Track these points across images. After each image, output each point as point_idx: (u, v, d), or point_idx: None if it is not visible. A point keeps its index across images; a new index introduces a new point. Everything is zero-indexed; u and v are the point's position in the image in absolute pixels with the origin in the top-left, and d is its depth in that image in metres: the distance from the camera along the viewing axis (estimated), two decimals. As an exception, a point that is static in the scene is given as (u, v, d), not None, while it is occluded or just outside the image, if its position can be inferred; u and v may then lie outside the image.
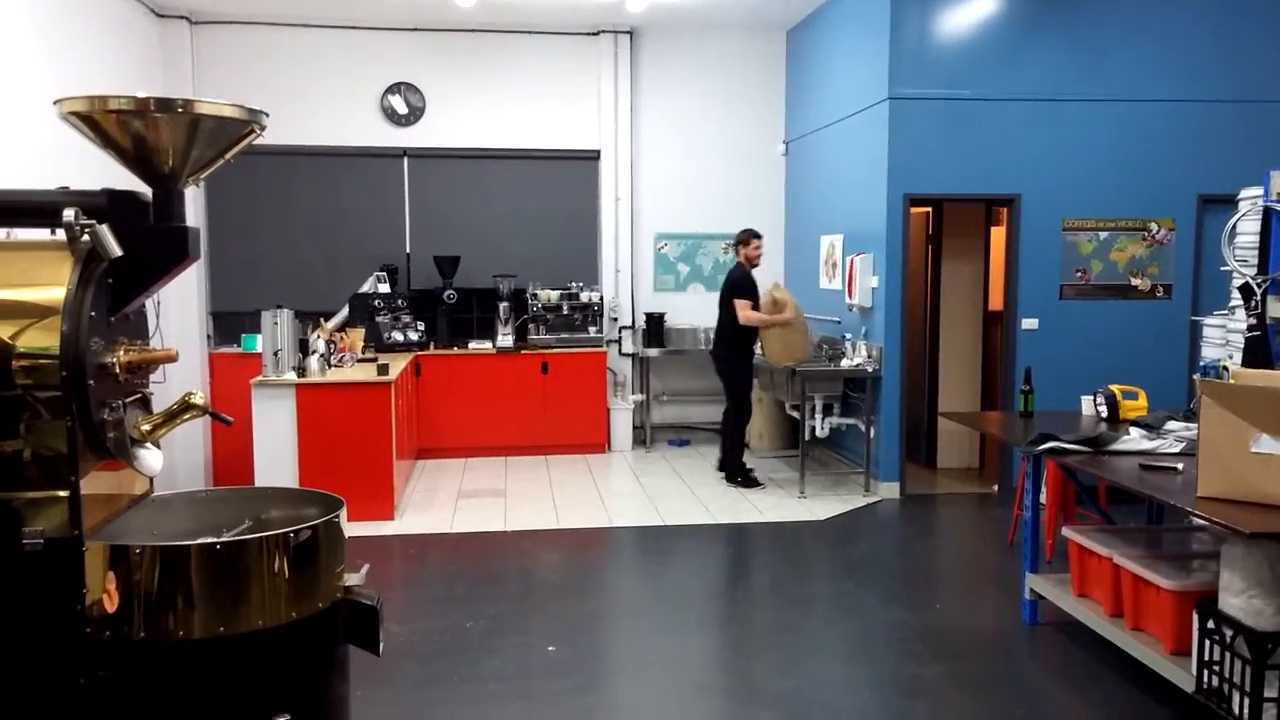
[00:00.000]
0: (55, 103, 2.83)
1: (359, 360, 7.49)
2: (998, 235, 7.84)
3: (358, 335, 7.89)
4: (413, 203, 9.17)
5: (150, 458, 3.20)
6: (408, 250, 9.17)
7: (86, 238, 2.81)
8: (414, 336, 8.62)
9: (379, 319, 8.42)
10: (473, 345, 8.95)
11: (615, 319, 9.38)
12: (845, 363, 7.51)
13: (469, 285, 9.01)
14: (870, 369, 7.31)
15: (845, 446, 8.19)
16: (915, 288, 7.98)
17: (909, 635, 4.67)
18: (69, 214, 2.78)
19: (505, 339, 8.88)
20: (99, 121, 2.86)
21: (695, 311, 9.36)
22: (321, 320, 7.66)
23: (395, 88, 9.01)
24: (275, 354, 6.65)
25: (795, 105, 9.31)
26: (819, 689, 4.13)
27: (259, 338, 7.65)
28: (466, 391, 8.73)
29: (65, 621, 2.90)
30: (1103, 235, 7.24)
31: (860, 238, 7.65)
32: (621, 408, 9.21)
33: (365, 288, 8.58)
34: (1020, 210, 7.20)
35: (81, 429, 2.89)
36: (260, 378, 6.60)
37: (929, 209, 8.20)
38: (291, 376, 6.62)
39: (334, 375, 6.81)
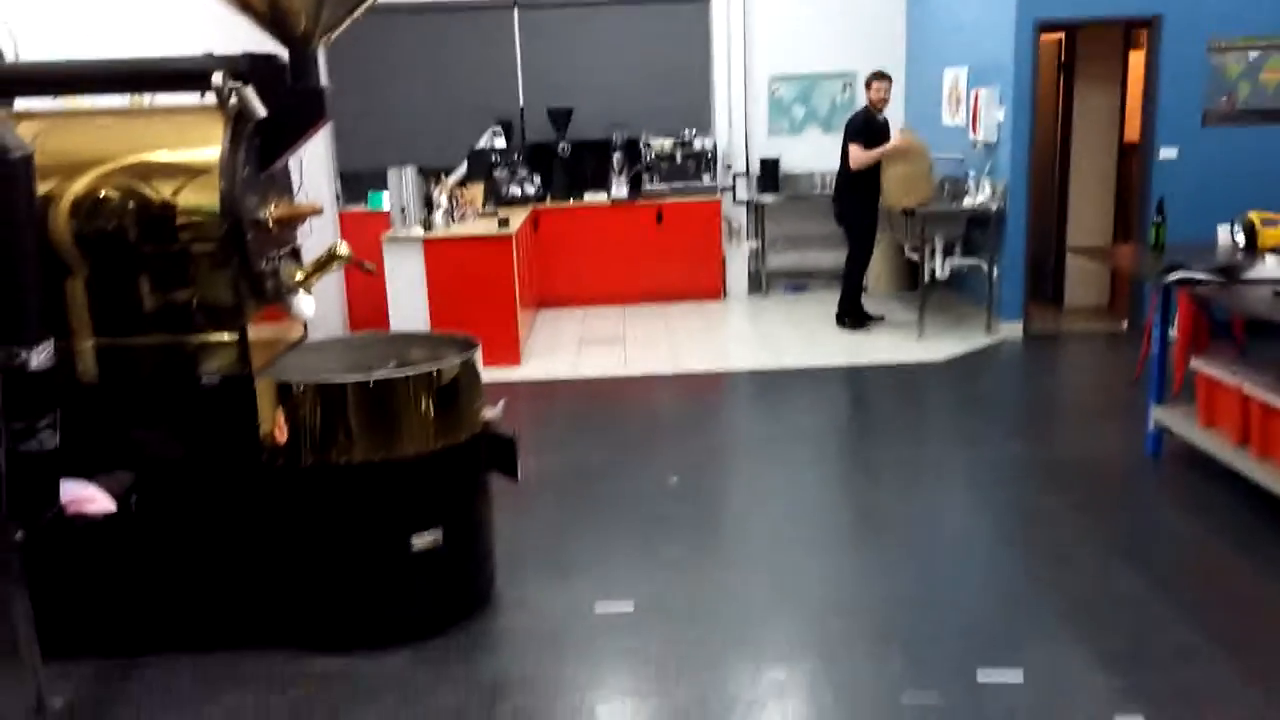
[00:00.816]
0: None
1: (480, 215, 7.69)
2: (1136, 61, 7.42)
3: (477, 190, 8.06)
4: (525, 56, 9.16)
5: (305, 303, 3.46)
6: (521, 104, 9.22)
7: (235, 99, 2.98)
8: (530, 190, 8.77)
9: (496, 174, 8.57)
10: (588, 197, 9.05)
11: (729, 166, 9.31)
12: (968, 201, 7.34)
13: (582, 138, 9.05)
14: (994, 207, 7.14)
15: (966, 288, 8.08)
16: (1044, 120, 7.66)
17: (1028, 467, 4.75)
18: (218, 77, 2.96)
19: (620, 190, 8.95)
20: (237, -16, 2.99)
21: (811, 155, 9.21)
22: (442, 176, 7.86)
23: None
24: (402, 210, 6.90)
25: (916, -70, 8.82)
26: (935, 514, 4.28)
27: (384, 195, 7.93)
28: (583, 243, 8.89)
29: (243, 450, 3.24)
30: (1252, 56, 6.76)
31: (985, 69, 7.35)
32: (737, 255, 9.25)
33: (481, 143, 8.71)
34: (1162, 31, 6.77)
35: (244, 277, 3.15)
36: (390, 233, 6.88)
37: (1061, 35, 7.77)
38: (419, 231, 6.88)
39: (457, 229, 7.04)
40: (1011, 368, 6.66)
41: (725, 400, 6.45)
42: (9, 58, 3.36)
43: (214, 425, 3.23)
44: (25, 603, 2.94)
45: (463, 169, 8.39)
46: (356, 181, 9.01)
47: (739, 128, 9.32)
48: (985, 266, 7.30)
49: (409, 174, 6.95)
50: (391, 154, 8.13)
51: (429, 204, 7.06)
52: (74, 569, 3.26)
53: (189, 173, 3.11)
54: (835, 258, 8.09)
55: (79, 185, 3.08)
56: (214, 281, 3.17)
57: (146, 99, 3.72)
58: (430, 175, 7.58)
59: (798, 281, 9.52)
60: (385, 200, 7.83)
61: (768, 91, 9.35)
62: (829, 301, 8.24)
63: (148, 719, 3.00)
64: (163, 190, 3.11)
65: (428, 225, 6.95)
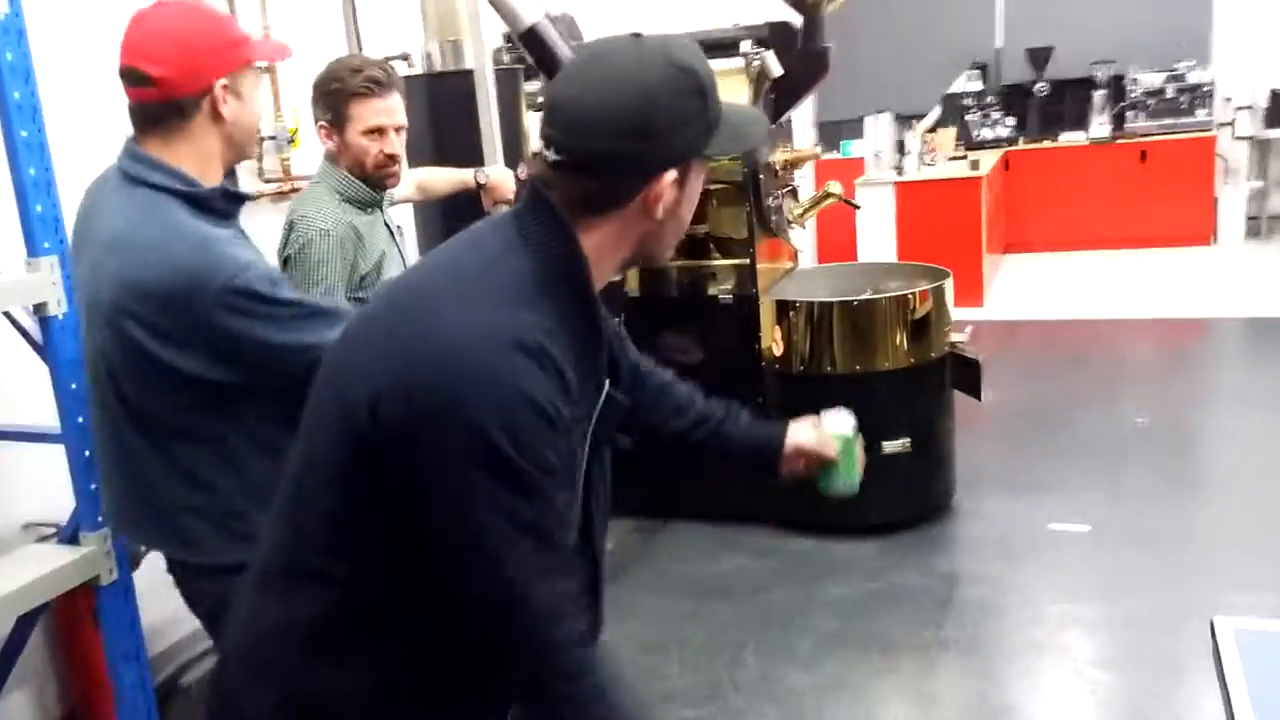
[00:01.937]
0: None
1: (951, 158, 7.89)
2: None
3: (948, 135, 8.25)
4: (1004, -5, 9.09)
5: (805, 237, 4.06)
6: (998, 45, 9.17)
7: (757, 62, 3.61)
8: (1003, 132, 8.75)
9: (969, 117, 8.68)
10: (1064, 137, 8.82)
11: (1230, 99, 8.55)
12: None
13: (1062, 76, 8.81)
14: None
15: None
16: None
17: None
18: (746, 45, 3.60)
19: (1100, 128, 8.61)
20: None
21: (1336, 83, 8.18)
22: (914, 122, 8.15)
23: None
24: (876, 155, 7.35)
25: None
26: None
27: (854, 144, 8.40)
28: (1057, 185, 8.70)
29: (747, 357, 3.93)
30: None
31: None
32: (1233, 196, 8.52)
33: (955, 87, 8.84)
34: None
35: (755, 212, 3.81)
36: (864, 177, 7.36)
37: None
38: (891, 174, 7.28)
39: (928, 173, 7.34)
40: None
41: (1208, 348, 6.17)
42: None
43: (725, 336, 3.96)
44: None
45: (935, 113, 8.61)
46: (833, 129, 9.57)
47: (1246, 58, 8.49)
48: None
49: (884, 120, 7.37)
50: (867, 102, 8.54)
51: (901, 149, 7.43)
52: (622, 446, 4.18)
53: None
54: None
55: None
56: (730, 217, 3.87)
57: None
58: (904, 121, 7.92)
59: (1307, 226, 8.56)
60: (854, 149, 8.30)
61: (1284, 14, 8.40)
62: (1346, 247, 7.40)
63: (672, 565, 3.82)
64: (695, 142, 3.85)
65: (899, 169, 7.32)
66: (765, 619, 3.35)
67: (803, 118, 9.16)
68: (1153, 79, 8.44)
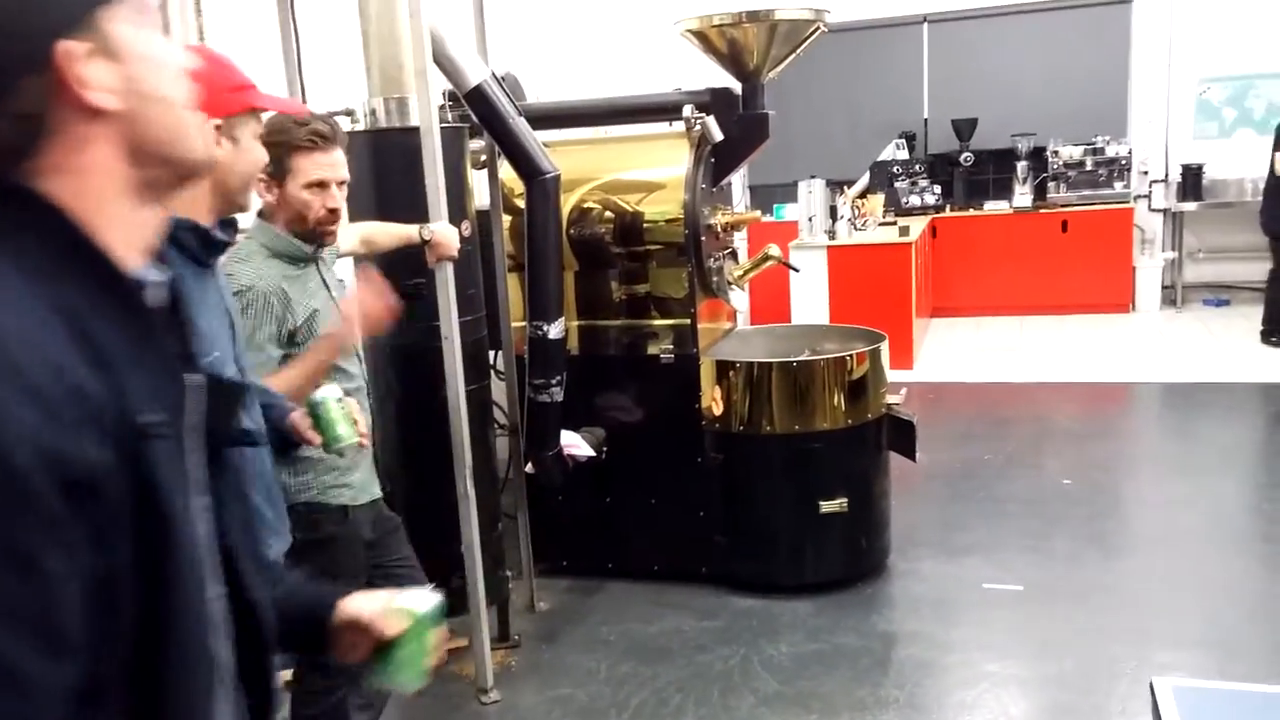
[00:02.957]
0: (675, 23, 3.69)
1: (880, 224, 8.09)
2: None
3: (877, 201, 8.47)
4: (931, 68, 9.42)
5: (740, 298, 4.11)
6: (925, 115, 9.49)
7: (699, 127, 3.68)
8: (930, 200, 9.02)
9: (897, 184, 8.94)
10: (988, 206, 9.11)
11: (1145, 172, 8.94)
12: None
13: (986, 146, 9.13)
14: None
15: None
16: None
17: None
18: (688, 109, 3.67)
19: (1022, 198, 8.92)
20: (706, 33, 3.69)
21: (1242, 161, 8.60)
22: (844, 188, 8.36)
23: (915, -48, 9.25)
24: (809, 219, 7.50)
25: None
26: (1358, 538, 4.10)
27: (787, 207, 8.58)
28: (981, 252, 8.96)
29: (687, 416, 3.94)
30: None
31: None
32: (1149, 266, 8.87)
33: (884, 155, 9.11)
34: None
35: (696, 273, 3.85)
36: (797, 240, 7.50)
37: None
38: (823, 239, 7.43)
39: (859, 238, 7.51)
40: None
41: (1128, 411, 6.36)
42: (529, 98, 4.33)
43: (665, 395, 3.97)
44: (526, 526, 3.85)
45: (865, 180, 8.84)
46: (766, 193, 9.77)
47: (1158, 133, 8.92)
48: None
49: (817, 185, 7.53)
50: (799, 168, 8.76)
51: (833, 214, 7.60)
52: (560, 503, 4.15)
53: (657, 188, 3.87)
54: (1264, 270, 7.55)
55: (573, 199, 3.95)
56: (672, 277, 3.91)
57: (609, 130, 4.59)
58: (834, 187, 8.11)
59: (1219, 295, 8.93)
60: (787, 212, 8.48)
61: (1195, 93, 8.86)
62: (1254, 317, 7.70)
63: (609, 626, 3.77)
64: (636, 202, 3.90)
65: (831, 234, 7.48)
66: (705, 680, 3.32)
67: (735, 180, 9.33)
68: (1072, 151, 8.80)
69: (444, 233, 2.76)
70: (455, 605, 3.15)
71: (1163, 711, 1.53)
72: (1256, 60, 8.61)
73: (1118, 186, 8.71)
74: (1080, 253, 8.72)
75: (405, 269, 2.86)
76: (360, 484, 2.44)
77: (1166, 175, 8.88)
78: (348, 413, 2.06)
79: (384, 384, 2.97)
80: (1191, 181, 8.65)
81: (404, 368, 3.12)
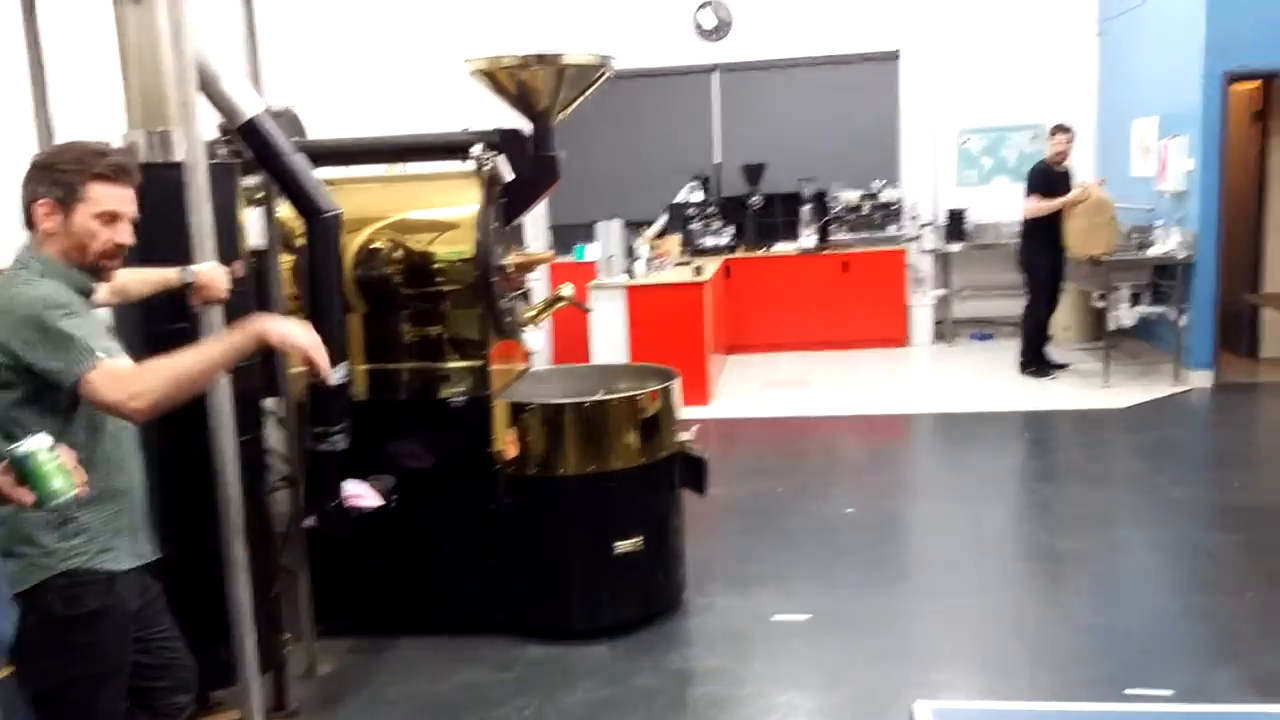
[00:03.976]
0: (464, 62, 3.65)
1: (676, 264, 8.29)
2: (1339, 109, 7.28)
3: (674, 241, 8.68)
4: (723, 115, 9.79)
5: (533, 338, 4.09)
6: (717, 160, 9.84)
7: (488, 167, 3.65)
8: (724, 241, 9.33)
9: (692, 225, 9.20)
10: (777, 247, 9.52)
11: (915, 216, 9.59)
12: (1154, 250, 7.37)
13: (774, 190, 9.55)
14: (1182, 255, 7.15)
15: (1155, 336, 8.03)
16: (1238, 169, 7.59)
17: (1201, 509, 4.86)
18: (477, 149, 3.63)
19: (808, 240, 9.37)
20: (495, 75, 3.67)
21: (999, 205, 9.36)
22: (642, 229, 8.53)
23: (705, 4, 9.59)
24: (608, 259, 7.59)
25: (1108, -15, 8.93)
26: (1104, 549, 4.47)
27: (588, 247, 8.66)
28: (772, 291, 9.33)
29: (480, 460, 3.87)
30: None
31: (1174, 120, 7.40)
32: (922, 303, 9.49)
33: (680, 197, 9.37)
34: (1363, 81, 6.67)
35: (488, 315, 3.80)
36: (596, 280, 7.57)
37: (1258, 84, 7.71)
38: (622, 279, 7.54)
39: (656, 277, 7.67)
40: (1195, 415, 6.65)
41: (905, 441, 6.74)
42: (311, 134, 4.18)
43: (458, 439, 3.88)
44: (307, 584, 3.66)
45: (662, 221, 9.04)
46: (567, 233, 9.82)
47: (926, 179, 9.60)
48: (1173, 315, 7.29)
49: (615, 226, 7.64)
50: (598, 208, 8.86)
51: (631, 254, 7.72)
52: (344, 557, 3.96)
53: (448, 228, 3.81)
54: (1021, 306, 8.21)
55: (360, 239, 3.82)
56: (464, 318, 3.85)
57: (399, 168, 4.50)
58: (632, 228, 8.25)
59: (983, 330, 9.64)
60: (588, 252, 8.56)
61: (956, 143, 9.60)
62: (1014, 350, 8.36)
63: (396, 686, 3.62)
64: (426, 243, 3.81)
65: (629, 273, 7.60)
66: (499, 733, 3.23)
67: (537, 220, 9.36)
68: (851, 196, 9.33)
69: (209, 274, 2.59)
70: (225, 675, 2.94)
71: (926, 736, 1.59)
72: (1008, 114, 9.43)
73: (891, 229, 9.30)
74: (861, 291, 9.24)
75: (168, 311, 2.68)
76: (126, 546, 2.25)
77: (935, 219, 9.55)
78: (61, 464, 1.86)
79: (143, 434, 2.74)
80: (956, 225, 9.34)
81: (166, 416, 2.89)
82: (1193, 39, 6.99)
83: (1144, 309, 7.52)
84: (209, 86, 2.84)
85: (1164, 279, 7.46)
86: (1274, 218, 7.72)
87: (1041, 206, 7.47)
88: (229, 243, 2.90)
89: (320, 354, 2.32)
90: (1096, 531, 4.68)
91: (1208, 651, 3.51)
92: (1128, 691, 3.27)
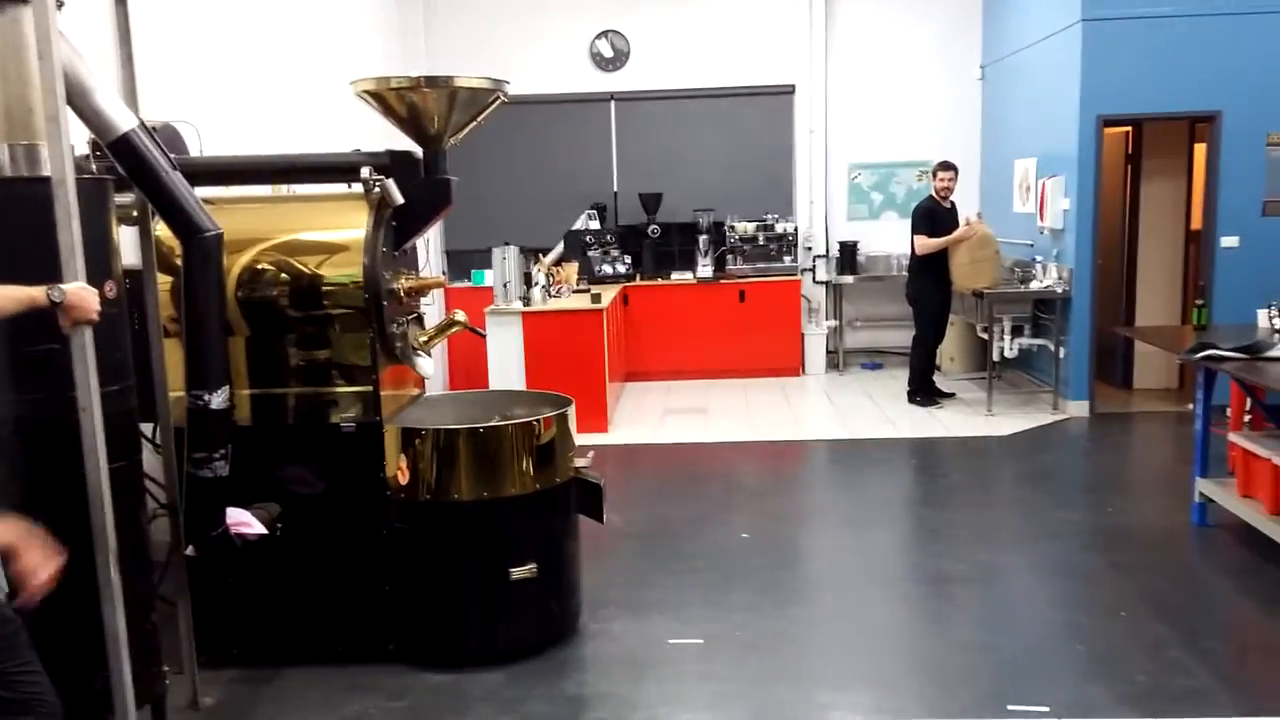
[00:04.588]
0: (351, 83, 3.61)
1: (574, 291, 8.30)
2: (1202, 153, 7.74)
3: (572, 269, 8.69)
4: (619, 144, 9.88)
5: (425, 364, 4.04)
6: (615, 189, 9.90)
7: (378, 189, 3.60)
8: (621, 269, 9.38)
9: (590, 253, 9.23)
10: (675, 276, 9.61)
11: (809, 248, 9.81)
12: (1035, 284, 7.69)
13: (671, 220, 9.65)
14: (1060, 290, 7.48)
15: (1036, 368, 8.37)
16: (1110, 209, 8.00)
17: (1078, 532, 5.04)
18: (365, 171, 3.58)
19: (705, 270, 9.49)
20: (384, 96, 3.63)
21: (888, 239, 9.66)
22: (540, 255, 8.52)
23: (603, 34, 9.69)
24: (505, 285, 7.55)
25: (991, 28, 9.34)
26: (986, 570, 4.60)
27: (487, 273, 8.62)
28: (669, 319, 9.42)
29: (371, 487, 3.79)
30: (1310, 149, 7.06)
31: (1052, 160, 7.76)
32: (815, 333, 9.69)
33: (578, 225, 9.39)
34: (1221, 127, 7.12)
35: (378, 339, 3.73)
36: (492, 306, 7.52)
37: (1129, 129, 8.14)
38: (518, 305, 7.51)
39: (553, 304, 7.66)
40: (1073, 443, 6.93)
41: (799, 467, 6.84)
42: (194, 152, 4.07)
43: (348, 465, 3.79)
44: (188, 613, 3.52)
45: (559, 248, 9.06)
46: (463, 259, 9.76)
47: (819, 212, 9.84)
48: (1052, 347, 7.61)
49: (511, 252, 7.62)
50: (495, 234, 8.83)
51: (528, 280, 7.70)
52: (229, 586, 3.82)
53: (336, 250, 3.73)
54: (910, 337, 8.46)
55: (244, 260, 3.72)
56: (353, 343, 3.77)
57: (286, 189, 4.42)
58: (530, 254, 8.24)
59: (874, 360, 9.89)
60: (487, 278, 8.52)
61: (847, 178, 9.87)
62: (903, 379, 8.59)
63: (283, 718, 3.49)
64: (313, 265, 3.73)
65: (526, 300, 7.58)
66: (386, 767, 3.15)
67: (431, 246, 9.27)
68: (747, 226, 9.49)
69: (79, 294, 2.48)
70: (101, 707, 2.81)
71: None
72: (896, 150, 9.75)
73: (786, 260, 9.49)
74: (757, 321, 9.39)
75: (33, 332, 2.56)
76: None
77: (827, 251, 9.79)
78: None
79: (7, 464, 2.61)
80: (848, 257, 9.59)
81: (35, 442, 2.76)
82: (1069, 85, 7.36)
83: (1025, 341, 7.84)
84: (78, 100, 2.74)
85: (1044, 312, 7.79)
86: (1145, 254, 8.14)
87: (931, 244, 7.72)
88: (101, 262, 2.79)
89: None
90: (980, 554, 4.82)
91: (1084, 669, 3.64)
92: (1010, 708, 3.37)
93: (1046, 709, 3.35)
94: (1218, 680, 3.53)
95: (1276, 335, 4.80)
